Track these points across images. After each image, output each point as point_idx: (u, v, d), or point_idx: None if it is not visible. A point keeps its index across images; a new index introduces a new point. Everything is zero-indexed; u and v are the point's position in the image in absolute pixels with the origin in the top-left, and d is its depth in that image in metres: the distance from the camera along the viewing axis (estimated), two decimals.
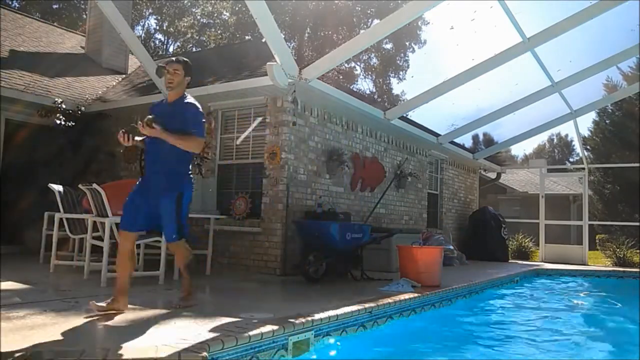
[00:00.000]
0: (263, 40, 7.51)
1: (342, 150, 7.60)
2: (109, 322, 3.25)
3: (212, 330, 3.07)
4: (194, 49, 25.67)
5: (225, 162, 7.43)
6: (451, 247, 9.28)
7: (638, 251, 11.77)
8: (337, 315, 3.71)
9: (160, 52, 26.18)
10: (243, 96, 7.02)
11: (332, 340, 3.61)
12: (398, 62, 25.30)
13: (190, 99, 3.79)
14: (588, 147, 18.89)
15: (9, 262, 6.23)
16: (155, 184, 3.67)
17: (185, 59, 3.87)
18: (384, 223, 8.73)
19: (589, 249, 11.98)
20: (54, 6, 25.19)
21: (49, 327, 3.03)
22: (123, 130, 3.55)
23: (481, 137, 20.20)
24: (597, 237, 15.39)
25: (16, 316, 3.27)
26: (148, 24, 28.16)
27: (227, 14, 25.14)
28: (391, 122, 8.29)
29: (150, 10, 26.70)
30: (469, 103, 9.47)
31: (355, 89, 22.09)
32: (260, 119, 7.04)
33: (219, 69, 8.82)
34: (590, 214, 13.64)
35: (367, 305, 4.15)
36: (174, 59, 3.85)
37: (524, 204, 20.61)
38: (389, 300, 4.50)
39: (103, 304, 3.46)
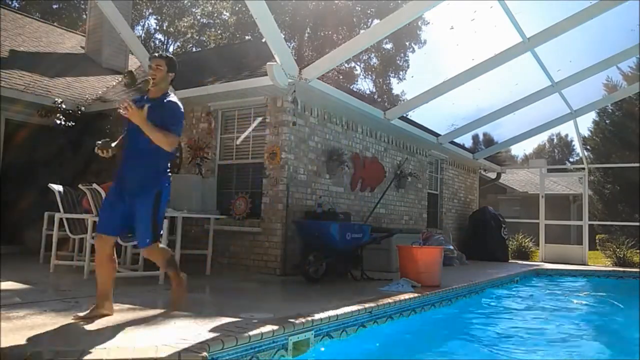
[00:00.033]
0: (263, 40, 7.51)
1: (342, 150, 7.60)
2: (109, 322, 3.25)
3: (212, 330, 3.07)
4: (194, 49, 25.67)
5: (225, 162, 7.43)
6: (451, 247, 9.28)
7: (638, 251, 11.77)
8: (337, 315, 3.71)
9: (160, 52, 26.13)
10: (243, 96, 7.02)
11: (321, 348, 3.50)
12: (398, 62, 25.30)
13: (172, 97, 3.59)
14: (588, 147, 18.89)
15: (9, 262, 6.23)
16: (131, 181, 3.46)
17: (168, 54, 3.72)
18: (384, 223, 8.73)
19: (589, 249, 11.98)
20: (54, 6, 25.20)
21: (49, 327, 3.03)
22: (97, 147, 3.44)
23: (481, 137, 20.24)
24: (597, 237, 15.39)
25: (16, 316, 3.27)
26: (148, 24, 28.20)
27: (227, 14, 25.14)
28: (391, 122, 8.29)
29: (150, 10, 26.71)
30: (469, 103, 9.47)
31: (355, 89, 22.09)
32: (260, 119, 7.04)
33: (219, 69, 8.82)
34: (590, 214, 13.64)
35: (367, 305, 4.15)
36: (156, 54, 3.68)
37: (524, 204, 20.61)
38: (389, 300, 4.50)
39: (87, 312, 3.33)
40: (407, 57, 24.89)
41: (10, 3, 22.50)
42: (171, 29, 26.81)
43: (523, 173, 24.29)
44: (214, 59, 10.53)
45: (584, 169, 12.76)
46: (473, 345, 4.30)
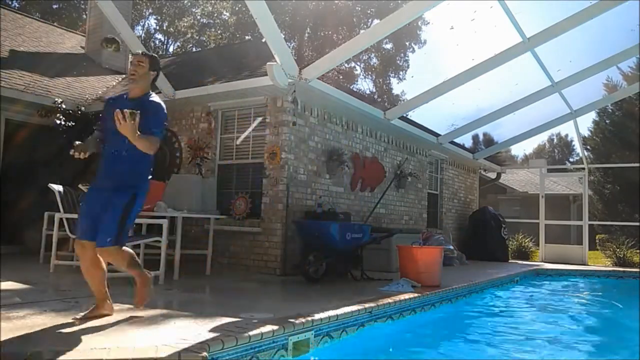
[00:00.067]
0: (263, 40, 7.51)
1: (342, 150, 7.60)
2: (109, 322, 3.25)
3: (212, 330, 3.07)
4: (194, 49, 25.67)
5: (225, 162, 7.44)
6: (451, 247, 9.28)
7: (638, 251, 11.77)
8: (337, 315, 3.71)
9: (161, 52, 26.18)
10: (243, 96, 7.02)
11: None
12: (398, 62, 25.28)
13: (155, 97, 3.42)
14: (588, 147, 18.89)
15: (9, 262, 6.23)
16: (109, 180, 3.33)
17: (152, 53, 3.58)
18: (384, 223, 8.73)
19: (589, 249, 11.98)
20: (54, 6, 25.20)
21: (48, 327, 3.03)
22: (73, 150, 3.27)
23: (481, 137, 20.24)
24: (597, 237, 15.40)
25: (16, 316, 3.27)
26: (148, 24, 28.21)
27: (227, 14, 25.13)
28: (391, 122, 8.29)
29: (150, 10, 26.71)
30: (469, 103, 9.47)
31: (355, 89, 22.08)
32: (260, 119, 7.04)
33: (219, 69, 8.82)
34: (590, 214, 13.64)
35: (367, 305, 4.15)
36: (140, 51, 3.59)
37: (524, 204, 20.61)
38: (389, 300, 4.50)
39: (87, 312, 3.34)
40: (407, 57, 24.89)
41: (10, 3, 22.51)
42: (171, 29, 26.82)
43: (523, 173, 24.30)
44: (214, 59, 10.53)
45: (584, 169, 12.76)
46: (473, 345, 4.30)
